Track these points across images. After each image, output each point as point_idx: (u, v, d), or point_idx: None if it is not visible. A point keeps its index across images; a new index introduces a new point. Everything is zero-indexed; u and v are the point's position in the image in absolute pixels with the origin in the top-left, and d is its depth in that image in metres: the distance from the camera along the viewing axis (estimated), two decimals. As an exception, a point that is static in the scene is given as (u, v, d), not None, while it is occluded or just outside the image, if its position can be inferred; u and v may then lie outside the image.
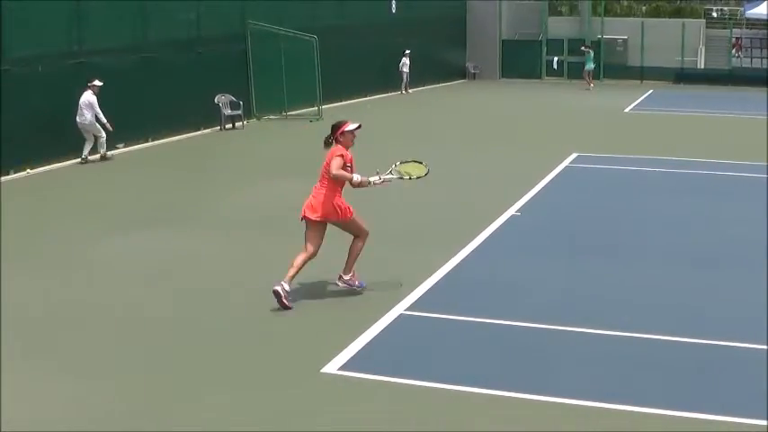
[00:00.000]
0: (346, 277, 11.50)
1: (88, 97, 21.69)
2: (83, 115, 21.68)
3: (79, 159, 21.88)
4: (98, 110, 21.76)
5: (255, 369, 8.99)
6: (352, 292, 11.49)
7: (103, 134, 22.08)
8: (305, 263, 11.15)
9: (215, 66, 28.63)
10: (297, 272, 11.06)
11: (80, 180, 20.14)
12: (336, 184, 11.32)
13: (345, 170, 11.29)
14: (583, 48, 48.62)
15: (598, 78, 52.14)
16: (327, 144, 11.61)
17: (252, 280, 12.10)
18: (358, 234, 11.53)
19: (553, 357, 9.33)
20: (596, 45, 52.24)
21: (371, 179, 11.56)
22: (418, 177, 11.93)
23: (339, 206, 11.28)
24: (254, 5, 30.98)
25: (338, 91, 36.36)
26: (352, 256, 11.48)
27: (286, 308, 10.72)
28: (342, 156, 11.30)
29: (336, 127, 11.62)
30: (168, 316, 10.61)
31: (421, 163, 12.02)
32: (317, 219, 11.22)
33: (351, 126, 11.58)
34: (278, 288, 10.77)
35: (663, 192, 18.89)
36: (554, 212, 16.66)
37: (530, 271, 12.53)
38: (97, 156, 22.25)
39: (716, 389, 8.48)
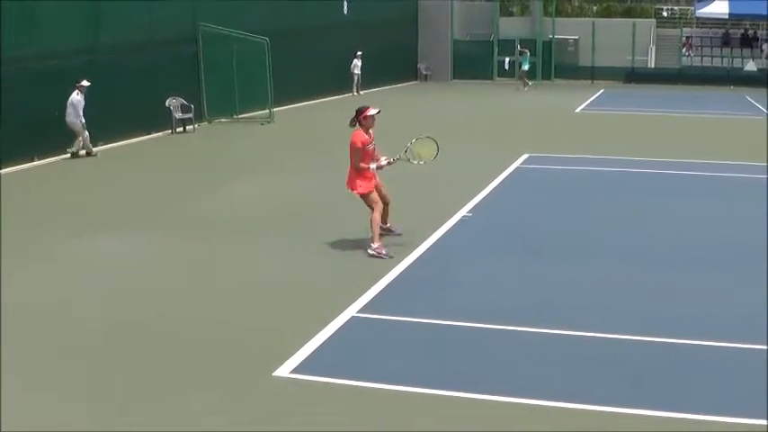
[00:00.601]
0: (375, 245, 13.35)
1: (72, 97, 22.61)
2: (68, 114, 22.70)
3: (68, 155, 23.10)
4: (79, 110, 22.68)
5: (207, 373, 9.00)
6: (301, 292, 11.57)
7: (85, 134, 22.98)
8: (379, 218, 13.55)
9: (166, 68, 28.54)
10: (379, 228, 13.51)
11: (37, 182, 20.03)
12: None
13: (368, 150, 13.45)
14: (520, 49, 49.04)
15: (549, 78, 52.57)
16: (352, 125, 13.54)
17: (207, 282, 12.12)
18: (372, 207, 13.58)
19: (505, 357, 9.42)
20: (535, 46, 52.78)
21: (383, 163, 13.67)
22: (427, 161, 14.10)
23: (359, 181, 13.52)
24: (205, 7, 30.92)
25: (290, 93, 36.36)
26: (374, 227, 13.46)
27: (386, 256, 13.07)
28: (360, 144, 13.32)
29: (360, 111, 13.50)
30: (119, 318, 10.58)
31: (435, 142, 14.06)
32: (356, 191, 13.63)
33: (372, 111, 13.46)
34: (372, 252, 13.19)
35: (613, 191, 19.09)
36: (505, 213, 16.79)
37: (481, 272, 12.63)
38: (83, 152, 23.32)
39: (682, 387, 8.57)
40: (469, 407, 8.20)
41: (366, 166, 13.42)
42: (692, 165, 22.27)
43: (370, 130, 13.57)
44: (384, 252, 13.24)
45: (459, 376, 8.87)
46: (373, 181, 13.61)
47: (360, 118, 13.44)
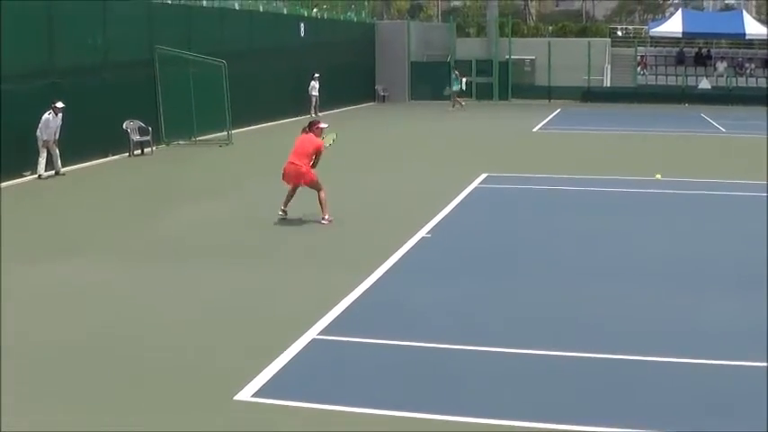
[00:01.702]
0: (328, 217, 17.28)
1: (44, 117, 23.27)
2: (40, 132, 23.31)
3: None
4: (48, 128, 23.30)
5: (167, 398, 8.92)
6: (261, 315, 11.54)
7: (56, 151, 23.65)
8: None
9: (123, 91, 28.40)
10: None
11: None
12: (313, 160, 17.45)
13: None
14: (456, 72, 49.43)
15: (506, 98, 52.95)
16: (304, 131, 17.49)
17: (163, 306, 12.03)
18: (319, 187, 17.32)
19: (470, 377, 9.41)
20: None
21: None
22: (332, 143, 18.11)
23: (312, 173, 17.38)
24: (162, 30, 30.86)
25: (248, 115, 36.34)
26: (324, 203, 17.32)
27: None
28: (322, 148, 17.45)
29: (313, 123, 17.86)
30: (80, 344, 10.47)
31: (335, 132, 18.44)
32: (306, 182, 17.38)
33: (323, 125, 17.83)
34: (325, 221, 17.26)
35: (572, 209, 19.19)
36: (465, 233, 16.82)
37: (443, 292, 12.62)
38: (52, 172, 23.79)
39: (630, 402, 8.64)
40: (435, 428, 8.18)
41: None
42: (649, 182, 22.44)
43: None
44: (329, 218, 17.24)
45: (424, 398, 8.84)
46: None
47: (314, 128, 17.51)
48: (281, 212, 17.60)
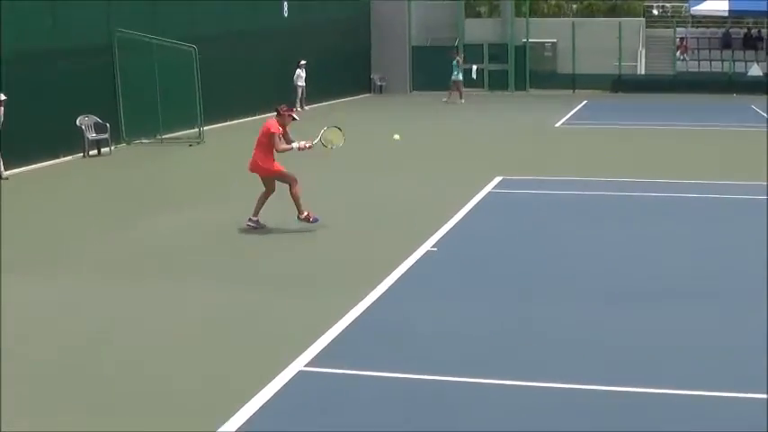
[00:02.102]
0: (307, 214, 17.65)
1: None
2: None
3: None
4: None
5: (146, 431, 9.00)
6: (242, 341, 11.56)
7: None
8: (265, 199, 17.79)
9: (76, 81, 28.42)
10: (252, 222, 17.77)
11: None
12: (271, 150, 17.58)
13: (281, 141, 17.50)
14: (457, 58, 48.84)
15: (523, 89, 52.95)
16: (276, 114, 17.78)
17: (131, 331, 12.04)
18: (290, 182, 17.57)
19: (471, 415, 9.43)
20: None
21: (306, 144, 17.64)
22: (338, 146, 18.20)
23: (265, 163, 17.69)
24: (122, 10, 30.87)
25: (223, 109, 36.38)
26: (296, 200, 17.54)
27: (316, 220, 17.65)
28: (274, 130, 17.42)
29: (281, 107, 17.93)
30: (43, 374, 10.50)
31: (340, 130, 18.28)
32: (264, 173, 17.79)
33: (295, 114, 18.12)
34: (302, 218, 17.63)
35: (600, 218, 19.22)
36: (475, 246, 16.84)
37: (448, 316, 12.63)
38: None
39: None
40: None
41: (288, 147, 17.45)
42: (689, 186, 22.45)
43: (287, 128, 17.71)
44: (314, 217, 17.63)
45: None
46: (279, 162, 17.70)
47: (283, 112, 17.77)
48: (249, 223, 17.91)
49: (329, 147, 18.26)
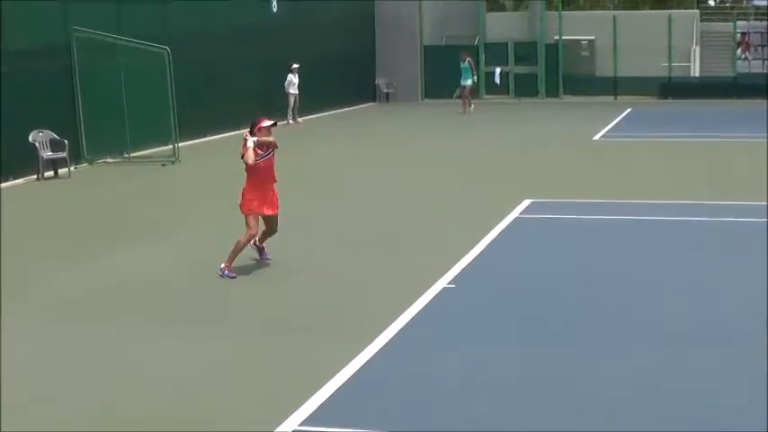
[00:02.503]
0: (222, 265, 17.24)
1: None
2: None
3: None
4: None
5: None
6: (222, 399, 11.52)
7: None
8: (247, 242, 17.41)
9: (28, 90, 28.46)
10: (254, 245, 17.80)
11: None
12: (248, 173, 17.25)
13: (259, 164, 17.09)
14: (468, 60, 48.86)
15: (556, 95, 52.99)
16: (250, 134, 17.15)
17: (72, 393, 12.04)
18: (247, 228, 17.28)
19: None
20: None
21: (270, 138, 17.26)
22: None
23: (242, 194, 17.44)
24: (81, 6, 30.89)
25: (201, 123, 36.43)
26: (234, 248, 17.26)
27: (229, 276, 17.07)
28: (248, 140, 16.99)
29: (254, 124, 17.19)
30: None
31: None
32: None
33: (266, 123, 17.17)
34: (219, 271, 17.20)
35: (646, 247, 19.19)
36: (499, 283, 16.81)
37: (467, 366, 12.59)
38: None
39: None
40: None
41: (251, 155, 16.92)
42: (753, 209, 22.41)
43: (270, 140, 17.23)
44: (228, 272, 17.17)
45: None
46: (254, 201, 17.22)
47: (254, 130, 17.13)
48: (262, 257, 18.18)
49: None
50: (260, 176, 17.21)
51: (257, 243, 17.90)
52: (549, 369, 12.52)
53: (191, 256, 19.04)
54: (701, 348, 13.19)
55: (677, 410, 11.06)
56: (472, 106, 47.86)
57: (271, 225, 17.72)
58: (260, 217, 17.40)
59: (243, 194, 17.32)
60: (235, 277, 17.00)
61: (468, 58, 48.74)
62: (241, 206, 17.31)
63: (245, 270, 17.60)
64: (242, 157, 17.07)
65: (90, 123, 30.76)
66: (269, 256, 18.04)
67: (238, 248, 17.18)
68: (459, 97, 48.49)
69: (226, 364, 12.91)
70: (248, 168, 17.18)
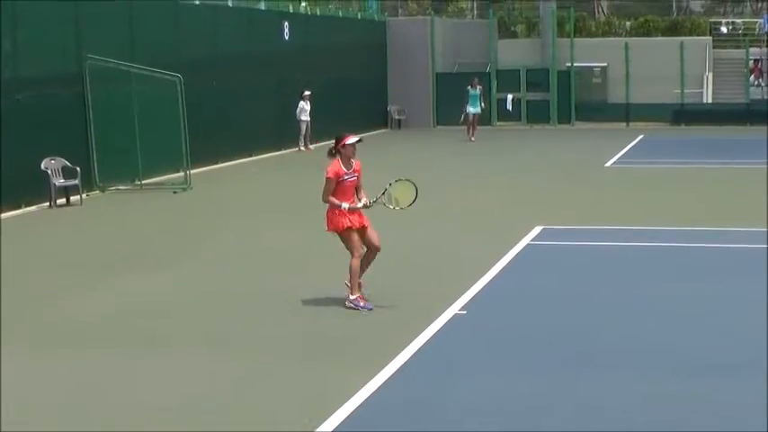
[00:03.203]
0: (352, 297, 16.52)
1: None
2: None
3: None
4: None
5: None
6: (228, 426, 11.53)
7: None
8: (359, 265, 16.50)
9: (41, 118, 28.51)
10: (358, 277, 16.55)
11: None
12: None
13: (345, 182, 16.40)
14: (479, 87, 48.81)
15: (568, 122, 53.01)
16: (331, 155, 16.55)
17: (95, 410, 12.05)
18: (350, 251, 16.52)
19: None
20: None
21: (359, 205, 16.52)
22: (403, 207, 17.21)
23: (329, 217, 16.56)
24: (95, 34, 31.01)
25: (213, 149, 36.47)
26: (351, 275, 16.51)
27: (365, 308, 16.42)
28: (331, 175, 16.27)
29: (339, 139, 16.56)
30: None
31: (413, 186, 17.04)
32: (328, 230, 16.74)
33: (351, 140, 16.53)
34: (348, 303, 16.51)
35: (661, 274, 19.15)
36: (510, 309, 16.77)
37: (479, 397, 12.55)
38: None
39: None
40: None
41: (337, 202, 16.34)
42: (762, 235, 22.38)
43: (353, 161, 16.54)
44: (363, 304, 16.46)
45: None
46: (345, 218, 16.39)
47: (338, 147, 16.42)
48: (348, 303, 16.76)
49: (392, 207, 17.15)
50: (344, 194, 16.35)
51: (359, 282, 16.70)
52: (559, 397, 12.50)
53: (198, 283, 19.02)
54: (715, 377, 13.16)
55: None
56: (474, 136, 47.73)
57: (370, 241, 16.64)
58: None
59: (328, 216, 16.48)
60: (372, 309, 16.38)
61: (478, 86, 48.75)
62: (336, 227, 16.43)
63: (265, 295, 17.60)
64: (324, 197, 16.37)
65: (102, 150, 30.83)
66: (369, 305, 16.64)
67: (354, 272, 16.44)
68: (464, 123, 48.51)
69: (233, 389, 12.89)
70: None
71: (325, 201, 16.39)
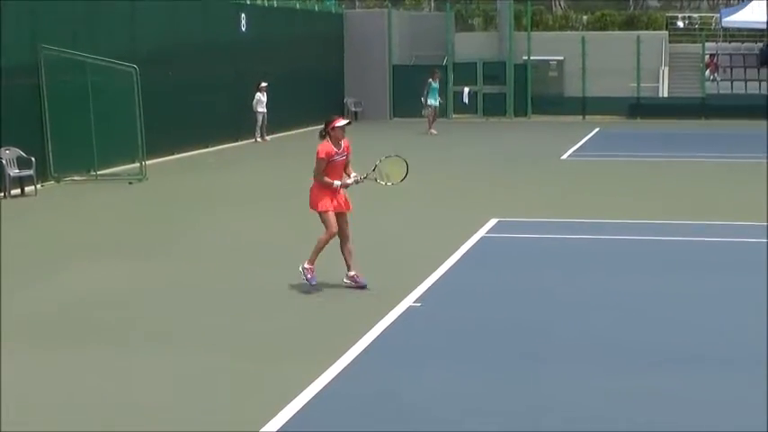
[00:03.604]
0: (306, 265, 17.21)
1: None
2: None
3: None
4: None
5: None
6: (197, 425, 11.49)
7: None
8: (326, 242, 17.23)
9: (-6, 109, 28.40)
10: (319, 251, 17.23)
11: None
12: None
13: (335, 161, 17.21)
14: (439, 79, 48.73)
15: (524, 114, 53.14)
16: (321, 137, 17.38)
17: (54, 410, 12.01)
18: (325, 227, 17.20)
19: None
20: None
21: (349, 181, 17.48)
22: (395, 183, 18.23)
23: (314, 196, 17.32)
24: (49, 23, 30.86)
25: (169, 140, 36.38)
26: (316, 247, 17.23)
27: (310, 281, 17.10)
28: (323, 155, 17.10)
29: (328, 122, 17.35)
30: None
31: (404, 163, 18.38)
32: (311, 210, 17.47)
33: (341, 122, 17.42)
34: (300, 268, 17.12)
35: (615, 266, 19.23)
36: (465, 302, 16.80)
37: (434, 389, 12.54)
38: None
39: None
40: None
41: (329, 181, 17.14)
42: (719, 229, 22.49)
43: (342, 143, 17.40)
44: (310, 276, 17.17)
45: None
46: (332, 201, 17.22)
47: (328, 129, 17.27)
48: (346, 280, 17.71)
49: (384, 183, 18.17)
50: (334, 172, 17.24)
51: (349, 273, 17.60)
52: (512, 389, 12.53)
53: (151, 275, 18.94)
54: (670, 371, 13.24)
55: None
56: (434, 129, 47.66)
57: (342, 228, 17.35)
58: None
59: (312, 193, 17.30)
60: (314, 284, 17.17)
61: (438, 78, 48.71)
62: (315, 205, 17.22)
63: (216, 289, 17.58)
64: (316, 175, 17.21)
65: (57, 141, 30.68)
66: (364, 281, 17.54)
67: (318, 247, 17.18)
68: (425, 115, 48.35)
69: (188, 384, 12.86)
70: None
71: (318, 180, 17.16)
